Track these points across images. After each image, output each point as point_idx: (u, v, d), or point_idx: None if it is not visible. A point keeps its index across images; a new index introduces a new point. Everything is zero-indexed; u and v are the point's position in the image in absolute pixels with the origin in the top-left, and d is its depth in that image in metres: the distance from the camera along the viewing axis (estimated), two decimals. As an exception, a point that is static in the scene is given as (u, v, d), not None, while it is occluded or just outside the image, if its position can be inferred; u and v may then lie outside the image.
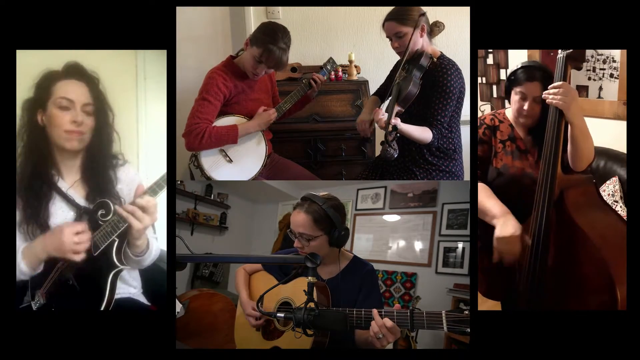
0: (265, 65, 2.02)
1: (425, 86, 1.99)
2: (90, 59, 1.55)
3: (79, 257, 1.33)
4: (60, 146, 1.45)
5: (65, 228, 1.33)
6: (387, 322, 1.17)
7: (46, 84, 1.45)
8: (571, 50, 1.48)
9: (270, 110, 2.17)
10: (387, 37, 2.06)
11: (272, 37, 2.00)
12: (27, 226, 1.41)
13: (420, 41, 2.01)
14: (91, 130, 1.47)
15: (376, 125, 1.95)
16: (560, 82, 1.48)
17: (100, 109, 1.49)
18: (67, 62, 1.48)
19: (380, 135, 1.99)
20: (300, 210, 1.44)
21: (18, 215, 1.42)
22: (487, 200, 1.60)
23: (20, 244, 1.40)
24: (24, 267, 1.37)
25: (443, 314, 1.12)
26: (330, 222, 1.41)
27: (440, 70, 1.99)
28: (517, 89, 1.66)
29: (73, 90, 1.44)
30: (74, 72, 1.47)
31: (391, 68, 2.31)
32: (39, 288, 1.40)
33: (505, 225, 1.50)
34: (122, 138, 1.55)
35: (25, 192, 1.43)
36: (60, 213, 1.45)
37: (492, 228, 1.56)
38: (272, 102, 2.31)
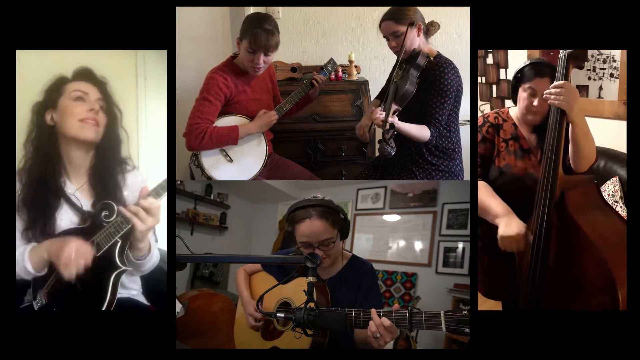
0: (258, 51, 2.02)
1: (423, 85, 1.99)
2: (90, 59, 1.55)
3: (68, 272, 1.30)
4: (74, 137, 1.46)
5: (72, 241, 1.32)
6: (385, 321, 1.17)
7: (56, 87, 1.48)
8: (573, 49, 1.48)
9: (271, 112, 2.17)
10: (384, 36, 2.06)
11: (256, 23, 2.01)
12: (32, 233, 1.42)
13: (417, 40, 2.02)
14: (104, 126, 1.49)
15: (375, 125, 1.96)
16: (561, 82, 1.47)
17: (109, 108, 1.52)
18: (77, 67, 1.51)
19: (379, 135, 1.99)
20: (311, 220, 1.42)
21: (23, 223, 1.42)
22: (489, 199, 1.59)
23: (26, 245, 1.40)
24: (29, 268, 1.37)
25: (441, 314, 1.12)
26: (342, 213, 1.45)
27: (437, 68, 2.00)
28: (526, 86, 1.64)
29: (85, 87, 1.48)
30: (84, 75, 1.51)
31: (391, 69, 2.31)
32: (41, 288, 1.41)
33: (509, 225, 1.50)
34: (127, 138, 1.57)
35: (31, 201, 1.43)
36: (65, 216, 1.46)
37: (493, 228, 1.56)
38: (272, 102, 2.31)
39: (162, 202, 1.35)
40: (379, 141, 1.87)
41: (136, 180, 1.57)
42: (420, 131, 1.99)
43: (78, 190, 1.49)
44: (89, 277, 1.37)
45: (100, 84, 1.52)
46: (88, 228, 1.41)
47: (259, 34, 1.98)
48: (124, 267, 1.38)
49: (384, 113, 1.88)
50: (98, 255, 1.36)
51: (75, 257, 1.30)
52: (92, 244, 1.36)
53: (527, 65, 1.66)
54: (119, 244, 1.37)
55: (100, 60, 1.59)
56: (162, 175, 1.34)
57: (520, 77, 1.67)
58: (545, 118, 1.64)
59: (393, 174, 2.18)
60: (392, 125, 1.85)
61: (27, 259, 1.37)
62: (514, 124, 1.74)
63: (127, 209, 1.31)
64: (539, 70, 1.62)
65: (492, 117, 1.76)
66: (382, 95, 2.32)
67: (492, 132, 1.73)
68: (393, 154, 1.85)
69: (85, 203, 1.49)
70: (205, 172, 2.12)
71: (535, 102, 1.63)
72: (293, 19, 2.87)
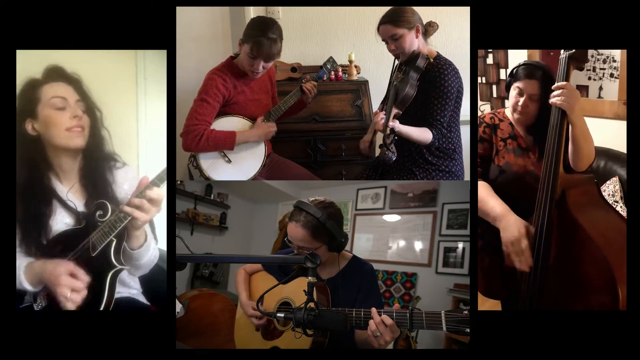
0: (259, 58, 2.01)
1: (423, 87, 1.99)
2: (90, 59, 1.55)
3: (67, 302, 1.28)
4: (63, 146, 1.45)
5: (62, 266, 1.31)
6: (386, 319, 1.17)
7: (29, 92, 1.44)
8: (574, 50, 1.48)
9: (270, 123, 2.16)
10: (383, 40, 2.06)
11: (260, 29, 2.00)
12: (28, 244, 1.40)
13: (416, 42, 2.01)
14: (88, 127, 1.48)
15: (376, 129, 1.95)
16: (563, 83, 1.48)
17: (88, 107, 1.50)
18: (47, 67, 1.48)
19: (380, 137, 1.99)
20: (297, 224, 1.39)
21: (18, 234, 1.41)
22: (488, 200, 1.60)
23: (23, 259, 1.39)
24: (25, 284, 1.36)
25: (442, 314, 1.12)
26: (330, 233, 1.37)
27: (437, 70, 1.99)
28: (516, 85, 1.68)
29: (62, 91, 1.45)
30: (56, 75, 1.47)
31: (391, 70, 2.31)
32: (41, 290, 1.40)
33: (508, 228, 1.50)
34: (119, 137, 1.56)
35: (23, 213, 1.41)
36: (60, 219, 1.45)
37: (493, 227, 1.56)
38: (271, 103, 2.31)
39: (162, 191, 1.34)
40: (380, 146, 1.86)
41: (127, 177, 1.56)
42: (422, 134, 1.99)
43: (70, 192, 1.48)
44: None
45: (74, 82, 1.48)
46: (83, 229, 1.41)
47: (262, 42, 1.97)
48: (120, 266, 1.38)
49: (384, 117, 1.88)
50: (94, 255, 1.36)
51: (71, 283, 1.29)
52: (85, 267, 1.33)
53: (521, 65, 1.69)
54: (114, 243, 1.36)
55: (100, 60, 1.58)
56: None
57: (513, 77, 1.70)
58: (534, 119, 1.67)
59: (393, 174, 2.18)
60: (392, 130, 1.84)
61: (23, 275, 1.36)
62: (511, 124, 1.75)
63: (129, 202, 1.30)
64: (529, 72, 1.65)
65: (488, 117, 1.77)
66: (385, 102, 2.32)
67: (489, 132, 1.74)
68: (394, 159, 1.84)
69: (79, 204, 1.48)
70: (204, 172, 2.11)
71: (520, 102, 1.66)
72: (293, 19, 2.87)
